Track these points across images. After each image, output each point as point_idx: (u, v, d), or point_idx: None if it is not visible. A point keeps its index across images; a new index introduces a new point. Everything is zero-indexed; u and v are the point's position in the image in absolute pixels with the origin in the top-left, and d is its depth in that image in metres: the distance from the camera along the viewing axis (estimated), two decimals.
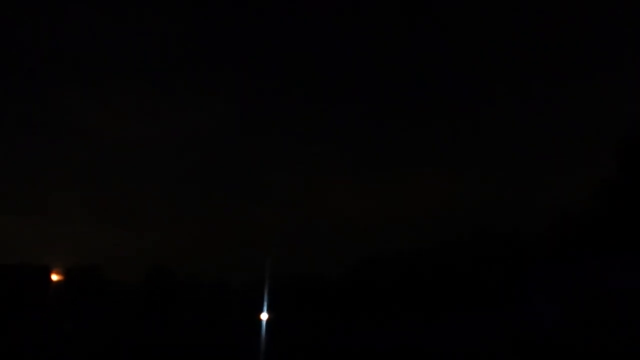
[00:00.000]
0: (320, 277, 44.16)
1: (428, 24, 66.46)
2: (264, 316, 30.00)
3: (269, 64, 70.46)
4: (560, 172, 53.37)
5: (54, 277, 32.73)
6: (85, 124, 66.07)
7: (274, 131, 69.39)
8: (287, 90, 69.48)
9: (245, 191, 64.99)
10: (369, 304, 37.85)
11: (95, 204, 62.10)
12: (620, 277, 23.08)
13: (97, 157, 65.08)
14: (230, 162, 66.96)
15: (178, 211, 63.28)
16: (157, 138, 67.66)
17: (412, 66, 67.86)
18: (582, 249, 28.96)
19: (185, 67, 69.59)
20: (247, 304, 38.41)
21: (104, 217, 58.98)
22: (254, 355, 22.36)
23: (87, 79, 64.95)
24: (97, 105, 65.07)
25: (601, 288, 23.01)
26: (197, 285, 43.25)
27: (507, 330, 23.29)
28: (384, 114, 69.14)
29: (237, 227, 59.54)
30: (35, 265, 31.79)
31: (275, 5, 69.00)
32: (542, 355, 17.89)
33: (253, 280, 42.00)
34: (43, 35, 61.99)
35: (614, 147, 32.02)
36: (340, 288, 42.25)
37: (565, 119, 58.92)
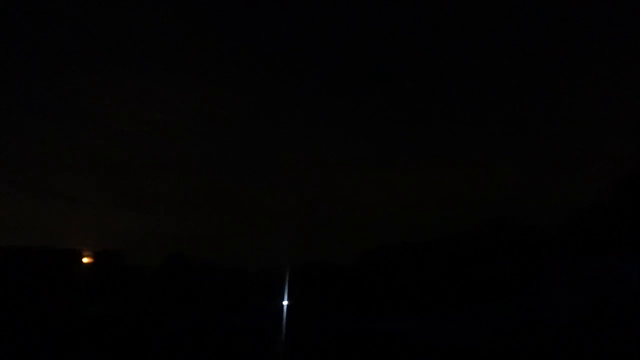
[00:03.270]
0: (335, 265, 44.96)
1: (440, 16, 66.06)
2: (285, 302, 30.86)
3: (285, 54, 70.62)
4: (580, 165, 53.23)
5: (85, 260, 33.88)
6: (104, 110, 66.96)
7: (290, 121, 69.82)
8: (301, 81, 69.70)
9: (262, 179, 65.80)
10: (384, 291, 38.57)
11: (118, 190, 63.27)
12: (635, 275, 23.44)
13: (117, 143, 66.08)
14: (247, 150, 67.56)
15: (196, 198, 64.26)
16: (172, 125, 68.38)
17: (425, 58, 67.71)
18: (600, 243, 29.24)
19: (200, 55, 70.01)
20: (264, 289, 39.32)
21: (125, 203, 60.21)
22: (274, 339, 23.04)
23: (104, 67, 65.64)
24: (115, 93, 65.84)
25: (618, 283, 23.38)
26: (214, 270, 44.26)
27: (521, 322, 23.73)
28: (399, 106, 69.24)
29: (253, 214, 60.40)
30: (67, 248, 32.97)
31: None
32: (555, 348, 18.37)
33: (269, 267, 42.96)
34: (57, 23, 62.61)
35: (636, 141, 32.08)
36: (355, 275, 43.00)
37: (587, 112, 58.49)
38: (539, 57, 63.57)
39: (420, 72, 67.82)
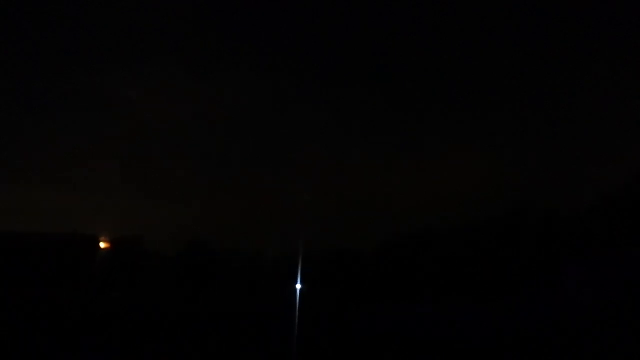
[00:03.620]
0: (354, 252, 44.74)
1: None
2: (298, 286, 30.85)
3: (303, 43, 70.11)
4: (604, 155, 51.61)
5: (102, 246, 34.49)
6: (126, 102, 67.94)
7: (311, 111, 69.53)
8: (320, 69, 69.14)
9: (280, 166, 65.85)
10: (401, 279, 38.19)
11: (137, 178, 64.37)
12: None
13: (137, 134, 67.09)
14: (266, 138, 67.70)
15: (214, 186, 64.82)
16: (192, 116, 68.97)
17: (450, 43, 66.15)
18: (622, 234, 28.24)
19: (219, 45, 70.09)
20: (281, 276, 39.43)
21: (146, 192, 61.20)
22: (288, 324, 22.95)
23: (127, 60, 66.50)
24: (137, 85, 66.69)
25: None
26: (233, 257, 44.62)
27: (539, 313, 23.09)
28: (421, 92, 68.01)
29: (271, 203, 60.61)
30: (85, 235, 33.58)
31: None
32: (573, 340, 17.70)
33: (287, 254, 43.01)
34: (83, 16, 63.54)
35: None
36: (373, 263, 42.71)
37: (611, 102, 56.48)
38: (568, 43, 61.40)
39: (449, 60, 66.31)
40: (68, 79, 66.18)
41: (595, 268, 25.67)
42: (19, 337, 16.65)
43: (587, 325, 20.01)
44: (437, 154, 63.90)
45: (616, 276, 23.95)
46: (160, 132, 67.77)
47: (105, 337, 18.17)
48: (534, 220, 36.45)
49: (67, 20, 63.37)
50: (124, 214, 54.95)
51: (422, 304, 31.07)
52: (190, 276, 39.40)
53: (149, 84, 67.76)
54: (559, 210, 36.88)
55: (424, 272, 38.17)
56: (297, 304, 27.13)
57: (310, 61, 69.43)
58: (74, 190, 57.76)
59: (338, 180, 64.44)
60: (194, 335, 18.95)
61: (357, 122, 69.50)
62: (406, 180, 63.18)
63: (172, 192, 61.93)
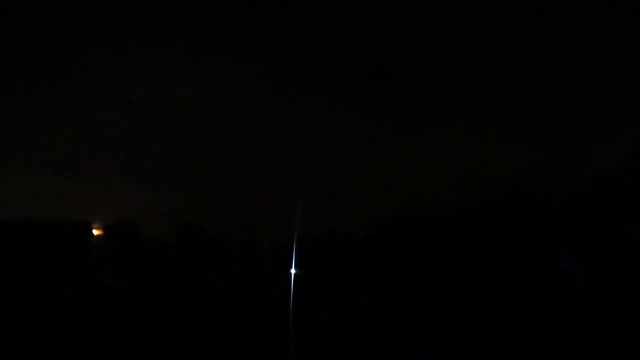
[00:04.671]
0: (350, 235, 44.80)
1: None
2: (293, 270, 30.89)
3: (298, 28, 69.20)
4: (597, 135, 51.72)
5: (95, 232, 34.20)
6: (116, 86, 67.01)
7: (303, 93, 68.91)
8: (315, 54, 68.46)
9: (274, 152, 65.53)
10: (396, 264, 38.35)
11: (133, 164, 63.83)
12: None
13: (132, 116, 66.31)
14: (259, 123, 67.18)
15: (208, 171, 64.46)
16: (187, 99, 68.22)
17: (442, 25, 65.52)
18: (618, 213, 28.36)
19: (213, 29, 69.06)
20: (276, 261, 39.46)
21: (140, 176, 60.76)
22: (284, 309, 23.05)
23: (117, 43, 65.39)
24: (130, 67, 65.70)
25: (637, 254, 22.58)
26: (227, 242, 44.54)
27: (537, 295, 23.23)
28: (413, 75, 67.56)
29: (266, 187, 60.42)
30: (77, 221, 33.28)
31: None
32: (572, 320, 17.83)
33: (282, 239, 42.99)
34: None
35: None
36: (368, 247, 42.83)
37: (603, 81, 56.40)
38: (555, 25, 60.99)
39: (439, 43, 65.77)
40: (61, 66, 65.16)
41: (588, 245, 25.90)
42: (11, 326, 16.54)
43: (583, 303, 20.18)
44: (431, 138, 63.80)
45: (609, 253, 24.15)
46: (153, 116, 67.05)
47: (100, 323, 18.10)
48: (529, 201, 36.59)
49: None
50: (117, 199, 54.63)
51: (418, 288, 31.30)
52: (186, 261, 39.33)
53: (144, 67, 66.85)
54: (552, 193, 37.03)
55: (419, 257, 38.35)
56: (292, 288, 27.22)
57: (306, 47, 68.64)
58: (71, 177, 57.21)
59: (333, 164, 64.30)
60: (189, 321, 18.94)
61: (352, 107, 69.08)
62: (401, 165, 63.14)
63: (166, 177, 61.57)
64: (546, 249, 29.93)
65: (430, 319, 19.71)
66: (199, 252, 40.70)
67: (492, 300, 23.23)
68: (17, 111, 63.09)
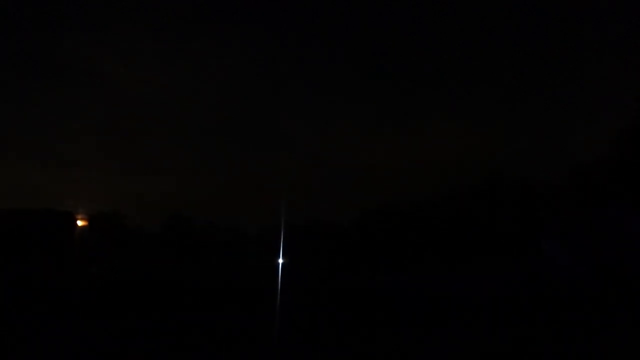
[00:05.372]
0: (334, 224, 45.01)
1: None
2: (280, 260, 30.96)
3: (290, 15, 68.76)
4: (579, 121, 52.44)
5: (79, 223, 33.86)
6: (102, 72, 66.02)
7: (291, 82, 68.63)
8: (306, 42, 68.14)
9: (263, 140, 65.31)
10: (381, 250, 38.62)
11: (115, 152, 63.18)
12: (637, 225, 23.03)
13: (116, 105, 65.52)
14: (248, 111, 66.87)
15: (196, 159, 64.09)
16: (174, 87, 67.54)
17: (431, 17, 65.55)
18: (599, 198, 28.85)
19: (204, 17, 68.28)
20: (263, 249, 39.48)
21: (123, 164, 60.14)
22: (270, 297, 23.06)
23: (107, 30, 64.36)
24: (116, 55, 64.76)
25: (617, 237, 23.00)
26: (214, 231, 44.43)
27: (520, 277, 23.59)
28: (402, 65, 67.67)
29: (254, 175, 60.29)
30: (60, 211, 32.87)
31: None
32: (554, 303, 18.16)
33: (269, 227, 43.00)
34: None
35: (634, 96, 31.28)
36: (353, 234, 43.04)
37: (585, 68, 57.11)
38: (541, 15, 61.46)
39: (426, 34, 65.80)
40: (49, 51, 63.95)
41: (570, 230, 26.30)
42: None
43: (567, 285, 20.56)
44: (417, 125, 64.13)
45: (590, 237, 24.55)
46: (138, 104, 66.30)
47: (83, 312, 17.96)
48: (512, 187, 37.04)
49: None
50: (101, 189, 54.12)
51: (405, 271, 31.54)
52: (171, 251, 39.16)
53: (130, 55, 65.91)
54: (535, 178, 37.54)
55: (404, 241, 38.65)
56: (279, 278, 27.31)
57: (293, 36, 68.23)
58: (58, 167, 56.45)
59: (320, 152, 64.37)
60: (175, 309, 18.86)
61: (339, 94, 69.07)
62: (386, 152, 63.43)
63: (151, 167, 61.07)
64: (529, 233, 30.39)
65: (412, 299, 19.96)
66: (185, 241, 40.58)
67: (475, 283, 23.57)
68: (6, 105, 62.01)
